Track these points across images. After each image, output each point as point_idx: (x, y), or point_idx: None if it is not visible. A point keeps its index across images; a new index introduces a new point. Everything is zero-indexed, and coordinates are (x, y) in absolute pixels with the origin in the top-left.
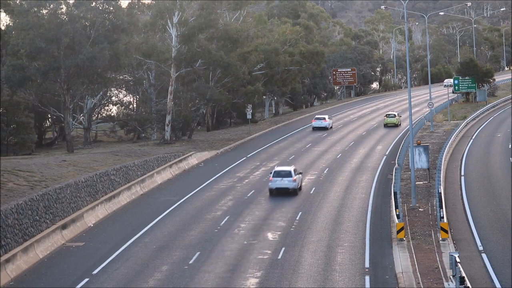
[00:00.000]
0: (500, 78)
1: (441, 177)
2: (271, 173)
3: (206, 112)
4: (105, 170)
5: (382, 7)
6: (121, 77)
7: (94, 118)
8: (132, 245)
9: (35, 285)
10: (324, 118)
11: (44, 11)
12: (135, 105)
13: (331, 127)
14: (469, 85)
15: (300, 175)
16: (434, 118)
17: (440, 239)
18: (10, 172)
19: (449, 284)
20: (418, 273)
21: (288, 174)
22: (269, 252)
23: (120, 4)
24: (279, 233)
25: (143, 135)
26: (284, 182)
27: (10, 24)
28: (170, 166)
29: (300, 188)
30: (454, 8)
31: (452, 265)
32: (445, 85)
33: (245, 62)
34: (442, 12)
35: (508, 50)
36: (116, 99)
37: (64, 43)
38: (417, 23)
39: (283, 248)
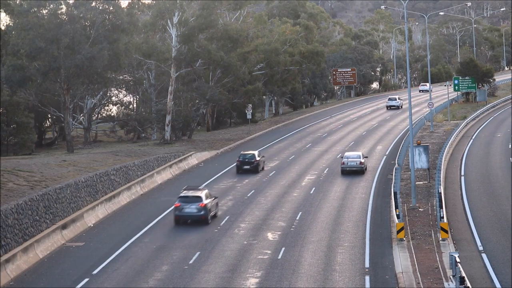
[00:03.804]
0: (500, 78)
1: (441, 177)
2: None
3: (206, 112)
4: (105, 170)
5: (382, 7)
6: (121, 77)
7: (94, 118)
8: (132, 245)
9: (35, 285)
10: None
11: (44, 11)
12: (135, 105)
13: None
14: (469, 85)
15: (402, 101)
16: (434, 118)
17: (440, 239)
18: (10, 172)
19: (449, 284)
20: (418, 273)
21: (395, 99)
22: (269, 252)
23: (120, 4)
24: (279, 233)
25: (143, 135)
26: (393, 103)
27: (10, 24)
28: (170, 166)
29: (401, 107)
30: (454, 8)
31: (452, 265)
32: (421, 90)
33: (245, 62)
34: (442, 12)
35: (508, 50)
36: (116, 99)
37: (64, 43)
38: (417, 23)
39: (283, 248)
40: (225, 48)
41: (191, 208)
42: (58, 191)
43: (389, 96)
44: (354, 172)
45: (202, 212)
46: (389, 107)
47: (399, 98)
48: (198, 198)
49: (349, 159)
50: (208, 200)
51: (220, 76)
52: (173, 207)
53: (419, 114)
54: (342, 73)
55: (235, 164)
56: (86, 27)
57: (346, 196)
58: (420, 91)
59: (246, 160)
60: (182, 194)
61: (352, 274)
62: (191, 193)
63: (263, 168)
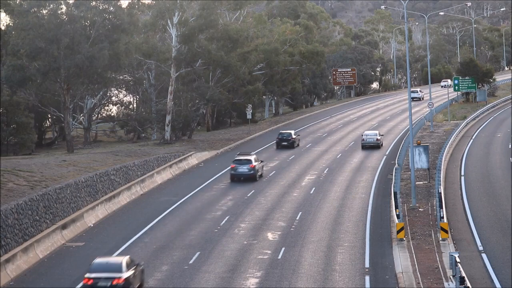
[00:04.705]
0: (500, 78)
1: (441, 177)
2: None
3: (206, 112)
4: (105, 170)
5: (382, 7)
6: (121, 77)
7: (94, 118)
8: (132, 245)
9: (35, 285)
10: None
11: (44, 11)
12: (135, 105)
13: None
14: (469, 85)
15: (423, 93)
16: (434, 118)
17: (440, 239)
18: (10, 172)
19: (449, 284)
20: (418, 273)
21: (417, 92)
22: (269, 252)
23: (120, 4)
24: (279, 233)
25: (143, 135)
26: (415, 95)
27: (10, 24)
28: (170, 166)
29: (422, 98)
30: (454, 8)
31: (452, 265)
32: (442, 85)
33: (245, 62)
34: (442, 12)
35: (508, 50)
36: (116, 99)
37: (64, 43)
38: (417, 23)
39: (283, 248)
40: (225, 48)
41: (243, 169)
42: (58, 191)
43: (412, 89)
44: (371, 147)
45: (252, 172)
46: (412, 99)
47: (420, 91)
48: (249, 161)
49: (367, 136)
50: (256, 163)
51: (220, 76)
52: (229, 167)
53: (419, 114)
54: (342, 73)
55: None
56: (86, 27)
57: (346, 196)
58: (442, 86)
59: (284, 137)
60: (236, 158)
61: (352, 274)
62: (243, 157)
63: (298, 145)
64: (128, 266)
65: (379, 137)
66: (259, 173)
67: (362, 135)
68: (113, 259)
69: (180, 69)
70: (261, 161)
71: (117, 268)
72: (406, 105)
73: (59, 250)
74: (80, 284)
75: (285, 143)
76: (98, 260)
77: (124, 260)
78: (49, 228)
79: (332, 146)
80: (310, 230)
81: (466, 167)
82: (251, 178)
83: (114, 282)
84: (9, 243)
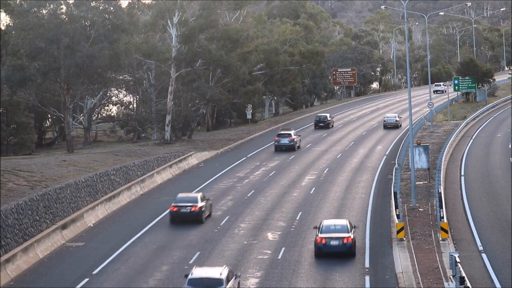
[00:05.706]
0: (500, 78)
1: (441, 177)
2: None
3: (206, 112)
4: (105, 170)
5: (382, 7)
6: (121, 77)
7: (94, 118)
8: (132, 245)
9: (35, 285)
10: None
11: (44, 11)
12: (135, 105)
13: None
14: (469, 85)
15: (446, 87)
16: (434, 118)
17: (440, 239)
18: (10, 172)
19: (449, 284)
20: (418, 273)
21: (440, 85)
22: (269, 252)
23: (120, 4)
24: (279, 233)
25: (143, 135)
26: (439, 88)
27: (10, 24)
28: (170, 166)
29: (445, 91)
30: (454, 8)
31: (452, 265)
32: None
33: (245, 62)
34: (442, 12)
35: (508, 50)
36: (116, 99)
37: (64, 43)
38: (417, 23)
39: (283, 248)
40: (225, 48)
41: (285, 141)
42: (58, 191)
43: (436, 83)
44: (392, 127)
45: (292, 143)
46: (436, 92)
47: (443, 84)
48: (289, 135)
49: (388, 118)
50: (295, 136)
51: (220, 76)
52: (273, 141)
53: (419, 114)
54: (342, 73)
55: (235, 164)
56: (86, 27)
57: (346, 196)
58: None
59: (321, 119)
60: (279, 133)
61: (352, 274)
62: (285, 132)
63: (332, 126)
64: (202, 200)
65: (398, 119)
66: (297, 145)
67: (384, 117)
68: (191, 194)
69: (180, 69)
70: (299, 135)
71: (194, 200)
72: (406, 105)
73: (59, 250)
74: (81, 284)
75: (322, 124)
76: (180, 195)
77: (199, 195)
78: (49, 228)
79: (332, 146)
80: (310, 230)
81: (466, 167)
82: (291, 148)
83: (192, 209)
84: (9, 243)
